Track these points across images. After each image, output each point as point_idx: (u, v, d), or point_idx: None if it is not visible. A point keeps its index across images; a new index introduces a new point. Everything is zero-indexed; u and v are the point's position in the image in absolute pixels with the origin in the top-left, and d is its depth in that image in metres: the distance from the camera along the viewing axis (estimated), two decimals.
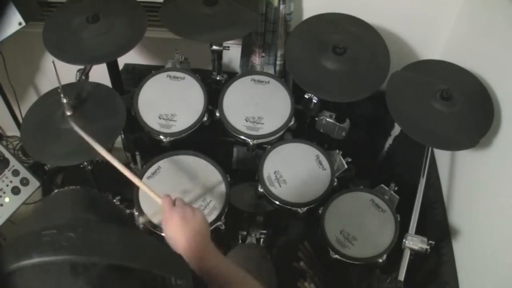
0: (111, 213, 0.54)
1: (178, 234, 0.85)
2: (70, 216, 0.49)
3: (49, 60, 1.15)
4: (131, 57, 1.78)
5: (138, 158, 1.69)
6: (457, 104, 1.21)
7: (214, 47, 1.48)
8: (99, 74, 1.48)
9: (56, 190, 0.55)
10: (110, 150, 1.44)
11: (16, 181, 1.35)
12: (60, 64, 1.18)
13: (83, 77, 1.44)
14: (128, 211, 1.29)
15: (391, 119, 1.78)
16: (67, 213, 0.49)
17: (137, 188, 1.29)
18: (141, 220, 1.21)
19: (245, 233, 1.58)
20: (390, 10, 1.55)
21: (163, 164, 1.35)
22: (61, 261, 0.40)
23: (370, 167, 2.00)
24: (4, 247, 0.43)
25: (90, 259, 0.41)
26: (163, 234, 1.20)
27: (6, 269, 0.40)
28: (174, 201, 0.93)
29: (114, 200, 1.61)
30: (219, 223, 1.27)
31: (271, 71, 1.55)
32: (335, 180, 1.38)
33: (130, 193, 1.29)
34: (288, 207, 1.34)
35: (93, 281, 0.40)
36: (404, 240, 1.16)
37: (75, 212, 0.49)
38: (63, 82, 1.18)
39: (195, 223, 0.87)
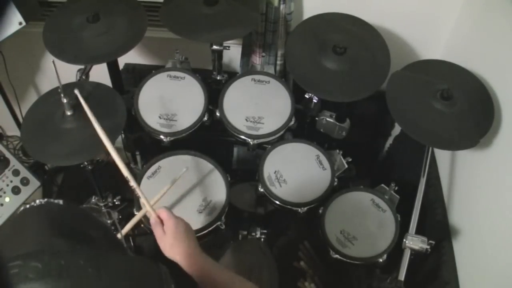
0: (78, 230, 0.52)
1: (175, 254, 0.89)
2: (35, 241, 0.47)
3: (49, 60, 1.15)
4: (131, 57, 1.78)
5: (138, 158, 1.69)
6: (457, 104, 1.21)
7: (214, 47, 1.48)
8: (99, 74, 1.48)
9: (22, 208, 0.53)
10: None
11: (16, 181, 1.35)
12: (60, 64, 1.18)
13: (83, 77, 1.44)
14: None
15: (391, 119, 1.78)
16: (32, 237, 0.47)
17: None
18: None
19: (245, 233, 1.58)
20: (390, 10, 1.55)
21: (163, 164, 1.35)
22: None
23: (370, 167, 2.00)
24: None
25: (59, 287, 0.41)
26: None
27: None
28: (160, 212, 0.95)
29: (114, 200, 1.62)
30: (219, 223, 1.27)
31: (271, 71, 1.55)
32: (335, 180, 1.38)
33: (130, 193, 1.29)
34: (288, 207, 1.34)
35: None
36: (404, 240, 1.16)
37: (40, 236, 0.47)
38: (63, 82, 1.18)
39: (188, 238, 0.91)
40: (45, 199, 0.53)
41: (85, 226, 0.54)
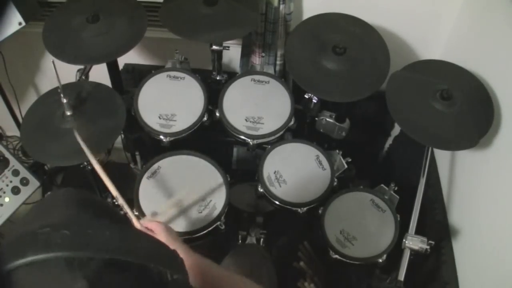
0: (104, 211, 0.55)
1: (176, 245, 0.87)
2: (64, 215, 0.49)
3: (49, 60, 1.15)
4: (131, 57, 1.78)
5: (138, 158, 1.69)
6: (457, 104, 1.21)
7: (214, 47, 1.48)
8: (99, 74, 1.48)
9: (49, 193, 0.56)
10: (110, 150, 1.45)
11: (16, 181, 1.35)
12: (60, 64, 1.18)
13: (83, 77, 1.44)
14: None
15: (391, 119, 1.78)
16: (61, 212, 0.50)
17: (137, 188, 1.29)
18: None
19: (245, 233, 1.57)
20: (390, 10, 1.55)
21: (163, 164, 1.35)
22: (56, 258, 0.41)
23: (370, 167, 2.00)
24: (1, 247, 0.44)
25: (85, 254, 0.42)
26: None
27: (4, 268, 0.41)
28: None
29: (114, 200, 1.61)
30: (219, 223, 1.27)
31: (271, 71, 1.55)
32: (335, 180, 1.38)
33: (130, 193, 1.29)
34: (288, 207, 1.34)
35: (89, 275, 0.41)
36: (404, 240, 1.16)
37: (69, 211, 0.50)
38: (63, 82, 1.18)
39: (179, 238, 0.91)
40: (70, 187, 0.56)
41: (109, 208, 0.58)
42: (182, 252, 0.87)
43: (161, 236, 0.92)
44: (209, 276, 0.85)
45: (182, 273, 0.50)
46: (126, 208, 1.01)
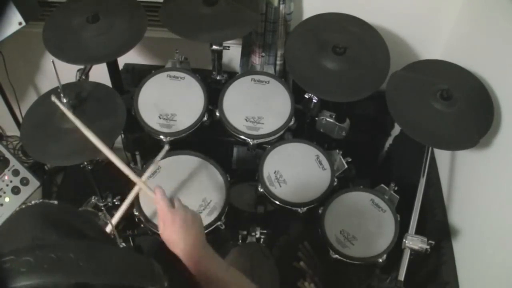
0: (71, 226, 0.53)
1: (178, 238, 0.86)
2: (29, 236, 0.48)
3: (49, 60, 1.15)
4: (131, 57, 1.78)
5: (138, 158, 1.69)
6: (457, 104, 1.21)
7: (214, 47, 1.48)
8: (99, 74, 1.48)
9: (17, 208, 0.55)
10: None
11: (16, 181, 1.35)
12: (60, 64, 1.18)
13: (83, 77, 1.44)
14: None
15: (391, 119, 1.78)
16: (25, 234, 0.49)
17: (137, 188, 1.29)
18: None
19: (245, 233, 1.58)
20: (390, 10, 1.55)
21: (163, 164, 1.35)
22: (23, 287, 0.41)
23: (370, 167, 2.00)
24: None
25: (51, 281, 0.41)
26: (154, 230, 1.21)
27: None
28: (172, 202, 0.93)
29: (114, 200, 1.62)
30: (219, 223, 1.27)
31: (271, 71, 1.55)
32: (335, 180, 1.38)
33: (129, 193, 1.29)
34: (288, 207, 1.34)
35: None
36: (404, 240, 1.16)
37: (34, 231, 0.49)
38: (63, 82, 1.18)
39: (195, 229, 0.88)
40: (40, 200, 0.54)
41: (78, 223, 0.55)
42: (178, 235, 0.85)
43: (159, 204, 0.89)
44: (207, 276, 0.83)
45: (160, 283, 0.49)
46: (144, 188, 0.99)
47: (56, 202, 0.55)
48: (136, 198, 1.27)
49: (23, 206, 0.54)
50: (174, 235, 0.86)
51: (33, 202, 0.54)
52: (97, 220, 1.57)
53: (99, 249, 0.48)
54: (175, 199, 0.94)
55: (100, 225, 0.83)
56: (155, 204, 0.92)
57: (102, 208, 1.59)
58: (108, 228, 1.02)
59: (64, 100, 1.19)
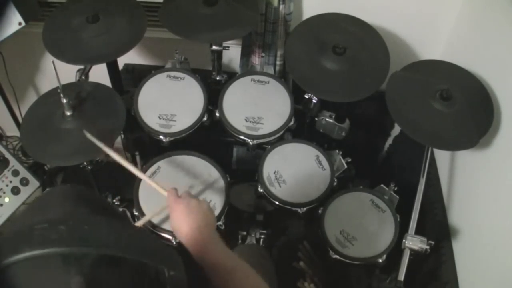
0: (102, 207, 0.55)
1: (183, 224, 0.86)
2: (61, 210, 0.50)
3: (49, 60, 1.15)
4: (131, 57, 1.78)
5: (138, 158, 1.69)
6: (457, 104, 1.21)
7: (214, 47, 1.48)
8: (99, 74, 1.48)
9: (47, 189, 0.56)
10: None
11: (16, 181, 1.35)
12: (60, 64, 1.18)
13: (83, 77, 1.44)
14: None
15: (391, 119, 1.78)
16: (58, 208, 0.50)
17: (137, 188, 1.29)
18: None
19: (245, 233, 1.58)
20: (390, 10, 1.55)
21: (163, 164, 1.35)
22: (52, 253, 0.41)
23: (370, 167, 2.00)
24: None
25: (81, 250, 0.42)
26: (162, 234, 1.21)
27: (0, 264, 0.41)
28: (181, 195, 0.95)
29: (114, 200, 1.61)
30: (219, 223, 1.27)
31: (271, 71, 1.55)
32: (335, 180, 1.38)
33: (130, 193, 1.29)
34: (288, 207, 1.34)
35: (85, 271, 0.41)
36: (404, 240, 1.16)
37: (66, 206, 0.50)
38: (63, 82, 1.18)
39: (200, 214, 0.88)
40: (69, 184, 0.56)
41: (107, 204, 0.59)
42: (181, 220, 0.86)
43: (168, 198, 0.92)
44: (212, 263, 0.82)
45: (179, 269, 0.50)
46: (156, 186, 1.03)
47: (83, 187, 0.57)
48: (137, 198, 1.27)
49: (53, 188, 0.56)
50: (178, 221, 0.87)
51: (56, 186, 0.57)
52: None
53: (127, 228, 0.50)
54: (184, 192, 0.96)
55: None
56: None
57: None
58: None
59: (64, 100, 1.19)
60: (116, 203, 1.61)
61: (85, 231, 0.44)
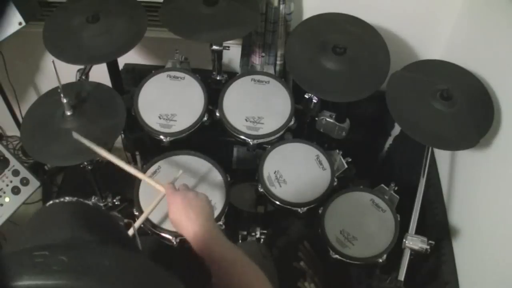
0: (107, 231, 0.52)
1: (182, 216, 0.87)
2: (64, 234, 0.47)
3: (49, 60, 1.15)
4: (131, 57, 1.78)
5: (138, 158, 1.69)
6: (457, 104, 1.21)
7: (214, 47, 1.48)
8: (99, 74, 1.48)
9: (51, 202, 0.54)
10: (110, 150, 1.45)
11: (16, 181, 1.35)
12: (60, 64, 1.18)
13: (83, 77, 1.44)
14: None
15: (391, 119, 1.78)
16: (61, 230, 0.48)
17: (137, 188, 1.29)
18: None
19: (245, 233, 1.58)
20: (390, 10, 1.55)
21: (163, 164, 1.35)
22: (52, 286, 0.40)
23: (370, 167, 2.00)
24: None
25: (81, 284, 0.41)
26: (163, 234, 1.21)
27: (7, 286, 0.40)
28: (179, 188, 0.97)
29: (114, 200, 1.61)
30: (219, 223, 1.27)
31: (271, 71, 1.55)
32: (335, 180, 1.38)
33: (130, 193, 1.29)
34: (288, 207, 1.34)
35: None
36: (404, 240, 1.16)
37: (70, 229, 0.48)
38: (63, 82, 1.18)
39: (197, 205, 0.89)
40: (75, 198, 0.54)
41: (113, 227, 0.55)
42: (180, 212, 0.87)
43: (166, 192, 0.94)
44: (214, 257, 0.82)
45: None
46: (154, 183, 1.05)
47: (91, 203, 0.55)
48: (137, 198, 1.27)
49: (57, 201, 0.53)
50: (177, 214, 0.88)
51: (67, 198, 0.53)
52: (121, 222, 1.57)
53: (132, 259, 0.48)
54: (181, 185, 0.98)
55: (125, 230, 0.84)
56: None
57: (102, 208, 1.59)
58: (130, 232, 1.06)
59: (65, 100, 1.19)
60: (116, 203, 1.62)
61: (87, 263, 0.42)
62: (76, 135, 1.15)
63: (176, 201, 0.89)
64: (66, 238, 0.47)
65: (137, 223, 1.12)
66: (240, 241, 1.57)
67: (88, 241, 0.48)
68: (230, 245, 0.86)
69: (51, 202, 0.54)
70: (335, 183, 1.38)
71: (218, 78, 1.59)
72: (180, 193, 0.92)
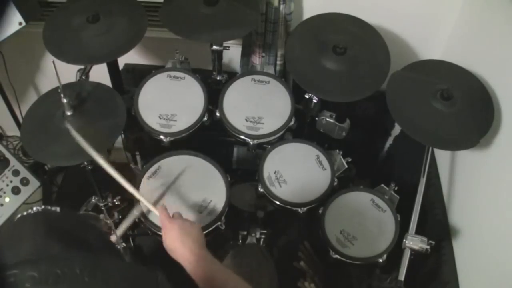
0: (74, 236, 0.52)
1: (177, 244, 0.93)
2: (31, 247, 0.47)
3: (49, 60, 1.15)
4: (131, 57, 1.78)
5: (138, 158, 1.69)
6: (457, 104, 1.21)
7: (214, 47, 1.48)
8: (99, 74, 1.48)
9: (19, 215, 0.54)
10: (110, 150, 1.45)
11: (16, 181, 1.35)
12: (60, 64, 1.18)
13: (83, 77, 1.44)
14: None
15: (391, 119, 1.78)
16: (28, 245, 0.48)
17: (137, 188, 1.29)
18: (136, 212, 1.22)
19: (245, 233, 1.58)
20: (390, 10, 1.55)
21: (163, 164, 1.35)
22: None
23: (370, 167, 2.00)
24: None
25: None
26: (160, 233, 1.21)
27: None
28: (173, 215, 1.02)
29: (114, 200, 1.61)
30: (219, 223, 1.27)
31: (271, 71, 1.55)
32: (335, 180, 1.38)
33: (130, 193, 1.29)
34: (288, 207, 1.34)
35: None
36: (404, 240, 1.16)
37: (37, 244, 0.48)
38: (63, 82, 1.18)
39: (193, 235, 0.96)
40: (42, 207, 0.53)
41: (83, 233, 0.54)
42: (187, 258, 0.91)
43: (160, 218, 1.00)
44: (212, 283, 0.88)
45: None
46: (148, 204, 1.09)
47: (58, 209, 0.55)
48: (136, 200, 1.27)
49: (25, 214, 0.54)
50: (173, 241, 0.94)
51: (34, 209, 0.54)
52: (99, 223, 1.56)
53: (104, 263, 0.48)
54: (175, 213, 1.04)
55: (102, 231, 0.85)
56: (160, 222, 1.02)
57: (102, 208, 1.59)
58: (113, 238, 1.08)
59: (65, 100, 1.19)
60: (116, 203, 1.62)
61: (58, 275, 0.42)
62: (72, 130, 1.13)
63: (174, 230, 0.95)
64: (36, 251, 0.47)
65: (119, 231, 1.17)
66: (240, 241, 1.57)
67: (55, 251, 0.47)
68: (223, 268, 0.94)
69: (19, 215, 0.54)
70: (335, 183, 1.38)
71: (218, 78, 1.59)
72: (177, 222, 0.97)
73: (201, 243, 0.95)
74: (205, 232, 1.24)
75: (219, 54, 1.53)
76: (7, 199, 1.32)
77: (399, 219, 1.33)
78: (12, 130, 2.07)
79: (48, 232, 0.50)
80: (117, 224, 1.21)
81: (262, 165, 1.39)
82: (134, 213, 1.19)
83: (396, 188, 1.42)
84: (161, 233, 1.21)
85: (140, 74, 1.56)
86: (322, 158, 1.41)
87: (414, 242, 1.15)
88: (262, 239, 1.57)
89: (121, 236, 1.21)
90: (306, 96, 1.49)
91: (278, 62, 1.66)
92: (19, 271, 0.42)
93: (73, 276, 0.43)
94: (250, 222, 1.60)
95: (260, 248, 1.49)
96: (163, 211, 1.02)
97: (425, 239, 1.15)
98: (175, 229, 0.95)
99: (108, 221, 1.43)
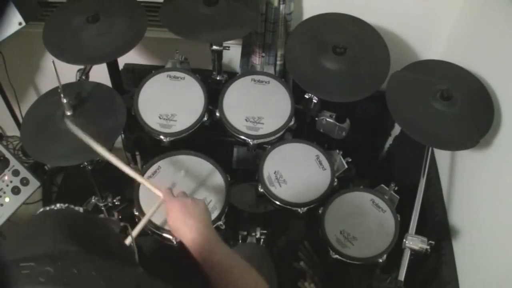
0: (95, 240, 0.52)
1: (181, 223, 0.88)
2: (51, 245, 0.47)
3: (49, 60, 1.15)
4: (131, 57, 1.78)
5: (138, 158, 1.69)
6: (457, 104, 1.21)
7: (214, 47, 1.48)
8: (99, 74, 1.48)
9: (41, 209, 0.53)
10: (110, 150, 1.44)
11: (16, 181, 1.35)
12: (60, 64, 1.18)
13: (83, 77, 1.44)
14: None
15: (391, 119, 1.78)
16: (48, 240, 0.47)
17: (137, 188, 1.29)
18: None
19: (245, 233, 1.58)
20: (390, 10, 1.55)
21: (163, 164, 1.35)
22: None
23: (370, 167, 2.00)
24: None
25: None
26: (164, 235, 1.22)
27: None
28: (177, 194, 0.98)
29: (114, 200, 1.61)
30: (219, 223, 1.27)
31: (271, 71, 1.55)
32: (335, 180, 1.38)
33: (130, 193, 1.29)
34: (288, 207, 1.34)
35: None
36: (404, 240, 1.16)
37: (56, 240, 0.47)
38: (63, 82, 1.18)
39: (196, 213, 0.90)
40: (66, 205, 0.53)
41: (103, 236, 0.54)
42: (179, 219, 0.88)
43: (164, 197, 0.96)
44: (213, 263, 0.83)
45: None
46: (151, 187, 1.05)
47: (81, 209, 0.54)
48: (137, 198, 1.27)
49: (47, 208, 0.53)
50: (176, 220, 0.89)
51: (58, 205, 0.53)
52: (118, 228, 1.56)
53: (121, 270, 0.47)
54: (179, 192, 0.99)
55: (120, 238, 0.84)
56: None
57: (102, 208, 1.59)
58: (128, 241, 1.05)
59: (65, 100, 1.19)
60: (116, 203, 1.62)
61: (73, 274, 0.42)
62: (68, 124, 1.13)
63: (175, 208, 0.91)
64: (54, 248, 0.46)
65: (135, 232, 1.12)
66: (240, 241, 1.57)
67: (73, 250, 0.47)
68: (228, 251, 0.87)
69: (41, 209, 0.53)
70: (335, 183, 1.38)
71: (218, 78, 1.59)
72: (178, 200, 0.93)
73: (205, 222, 0.90)
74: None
75: (219, 54, 1.53)
76: (7, 199, 1.33)
77: (399, 219, 1.33)
78: (12, 130, 2.07)
79: (69, 230, 0.49)
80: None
81: (262, 165, 1.39)
82: (147, 217, 1.16)
83: (396, 188, 1.42)
84: (161, 233, 1.22)
85: (140, 74, 1.56)
86: (322, 158, 1.41)
87: (414, 242, 1.15)
88: (262, 239, 1.57)
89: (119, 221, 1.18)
90: (306, 96, 1.49)
91: (278, 62, 1.66)
92: (35, 264, 0.42)
93: (89, 277, 0.42)
94: (250, 222, 1.60)
95: (260, 247, 1.49)
96: (166, 191, 0.98)
97: (425, 239, 1.15)
98: (176, 208, 0.90)
99: (127, 225, 1.42)
